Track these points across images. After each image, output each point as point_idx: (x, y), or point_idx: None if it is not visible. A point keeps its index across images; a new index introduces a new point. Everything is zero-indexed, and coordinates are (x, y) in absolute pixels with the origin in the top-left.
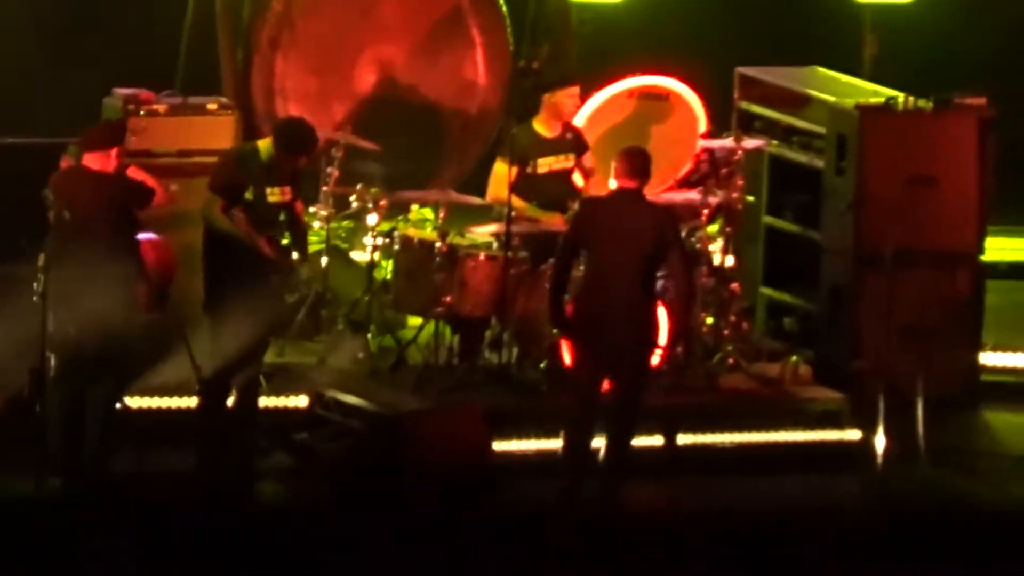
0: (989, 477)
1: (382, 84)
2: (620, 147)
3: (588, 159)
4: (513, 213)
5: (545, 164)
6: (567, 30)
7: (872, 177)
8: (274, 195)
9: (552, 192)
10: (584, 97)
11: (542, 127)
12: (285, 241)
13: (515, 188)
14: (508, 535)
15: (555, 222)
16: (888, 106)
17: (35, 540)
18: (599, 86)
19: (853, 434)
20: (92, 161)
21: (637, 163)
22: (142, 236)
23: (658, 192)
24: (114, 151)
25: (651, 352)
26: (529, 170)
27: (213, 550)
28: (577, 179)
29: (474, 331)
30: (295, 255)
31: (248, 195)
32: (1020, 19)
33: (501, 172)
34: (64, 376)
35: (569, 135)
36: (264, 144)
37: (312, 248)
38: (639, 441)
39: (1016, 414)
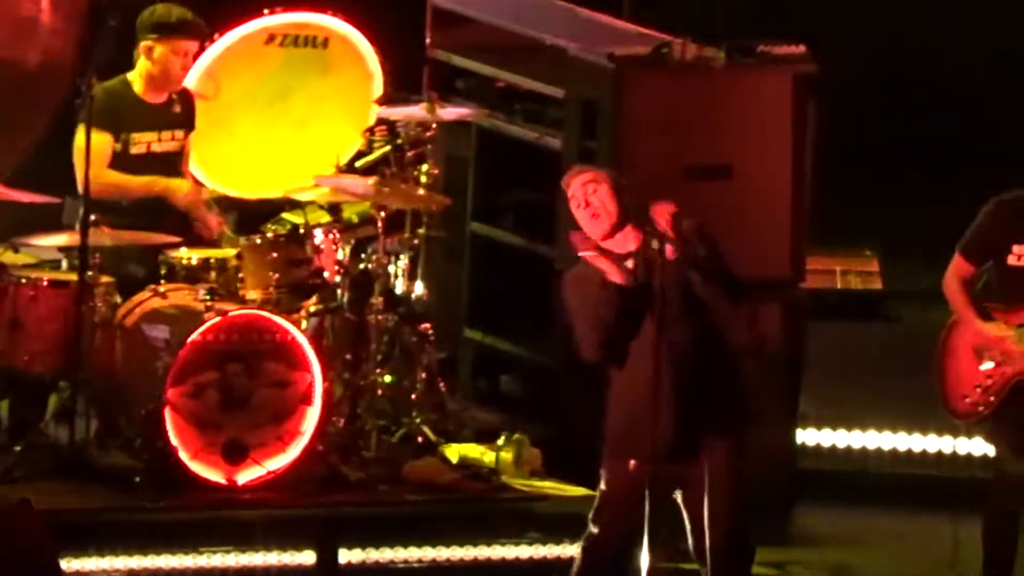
0: None
1: None
2: (254, 116)
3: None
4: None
5: (142, 142)
6: None
7: (636, 164)
8: None
9: None
10: (203, 46)
11: (141, 86)
12: None
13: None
14: None
15: (154, 187)
16: (659, 56)
17: None
18: (226, 27)
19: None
20: None
21: None
22: None
23: (313, 182)
24: None
25: None
26: (119, 147)
27: None
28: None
29: (33, 394)
30: None
31: None
32: None
33: (94, 143)
34: None
35: (178, 106)
36: None
37: None
38: (286, 559)
39: None
